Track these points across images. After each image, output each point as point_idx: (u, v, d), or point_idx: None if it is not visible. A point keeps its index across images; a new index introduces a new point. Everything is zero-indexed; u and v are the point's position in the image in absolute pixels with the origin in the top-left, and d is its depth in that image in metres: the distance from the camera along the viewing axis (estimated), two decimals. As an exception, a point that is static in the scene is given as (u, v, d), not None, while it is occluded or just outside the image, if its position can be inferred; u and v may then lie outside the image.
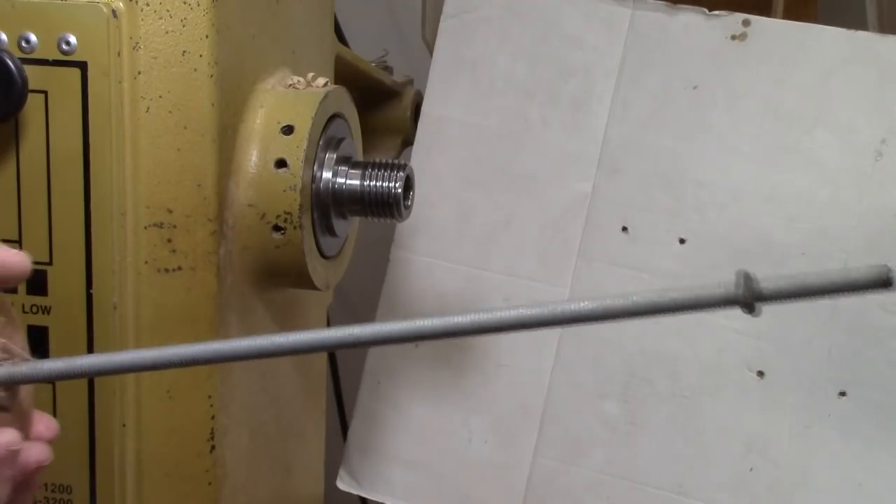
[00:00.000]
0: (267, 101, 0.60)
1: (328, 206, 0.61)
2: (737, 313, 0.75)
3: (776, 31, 0.76)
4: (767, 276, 0.39)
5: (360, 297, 0.92)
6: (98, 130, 0.54)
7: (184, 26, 0.55)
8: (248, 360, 0.60)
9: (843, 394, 0.73)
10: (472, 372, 0.80)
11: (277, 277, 0.60)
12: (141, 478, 0.58)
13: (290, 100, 0.60)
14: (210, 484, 0.58)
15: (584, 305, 0.41)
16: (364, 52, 0.88)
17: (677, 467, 0.75)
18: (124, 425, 0.56)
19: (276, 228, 0.58)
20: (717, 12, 0.77)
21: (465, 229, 0.81)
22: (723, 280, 0.40)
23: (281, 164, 0.58)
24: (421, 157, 0.82)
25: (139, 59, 0.54)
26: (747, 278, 0.39)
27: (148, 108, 0.55)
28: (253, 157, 0.58)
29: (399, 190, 0.62)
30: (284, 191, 0.58)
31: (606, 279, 0.78)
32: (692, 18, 0.78)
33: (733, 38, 0.76)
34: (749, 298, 0.39)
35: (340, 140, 0.62)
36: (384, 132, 0.92)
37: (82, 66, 0.53)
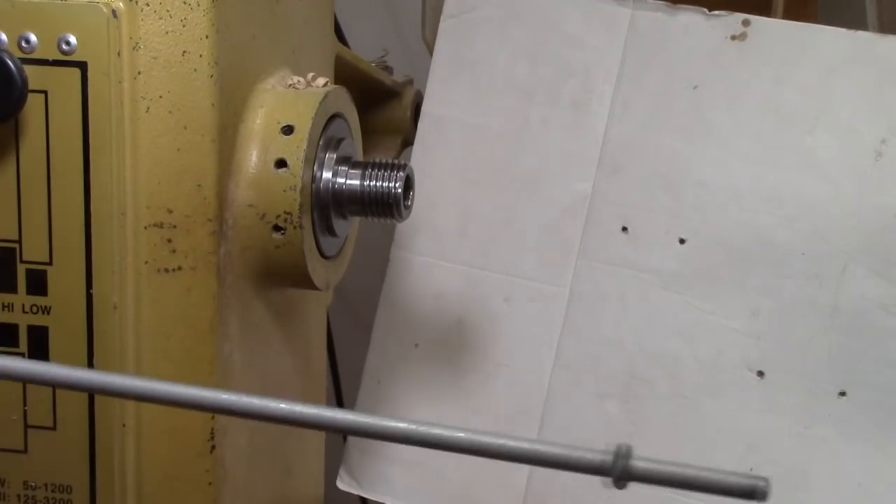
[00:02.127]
0: (267, 101, 0.60)
1: (328, 206, 0.61)
2: (738, 313, 0.75)
3: (776, 31, 0.76)
4: (644, 458, 0.41)
5: (360, 297, 0.92)
6: (98, 130, 0.54)
7: (184, 26, 0.55)
8: (246, 368, 0.61)
9: (843, 394, 0.73)
10: (472, 372, 0.80)
11: (277, 277, 0.60)
12: (141, 478, 0.58)
13: (290, 100, 0.60)
14: (210, 484, 0.58)
15: (459, 436, 0.41)
16: (364, 52, 0.88)
17: (677, 467, 0.75)
18: (124, 425, 0.56)
19: (276, 228, 0.58)
20: (717, 12, 0.77)
21: (465, 229, 0.81)
22: (602, 449, 0.42)
23: (281, 164, 0.58)
24: (421, 157, 0.82)
25: (139, 59, 0.54)
26: (623, 457, 0.41)
27: (148, 108, 0.55)
28: (253, 158, 0.58)
29: (399, 190, 0.62)
30: (284, 191, 0.58)
31: (606, 279, 0.78)
32: (692, 18, 0.78)
33: (733, 38, 0.76)
34: (620, 475, 0.40)
35: (340, 140, 0.62)
36: (384, 132, 0.92)
37: (82, 66, 0.53)
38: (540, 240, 0.79)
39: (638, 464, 0.41)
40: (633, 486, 0.41)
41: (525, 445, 0.41)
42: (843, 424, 0.73)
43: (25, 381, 0.52)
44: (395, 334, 0.82)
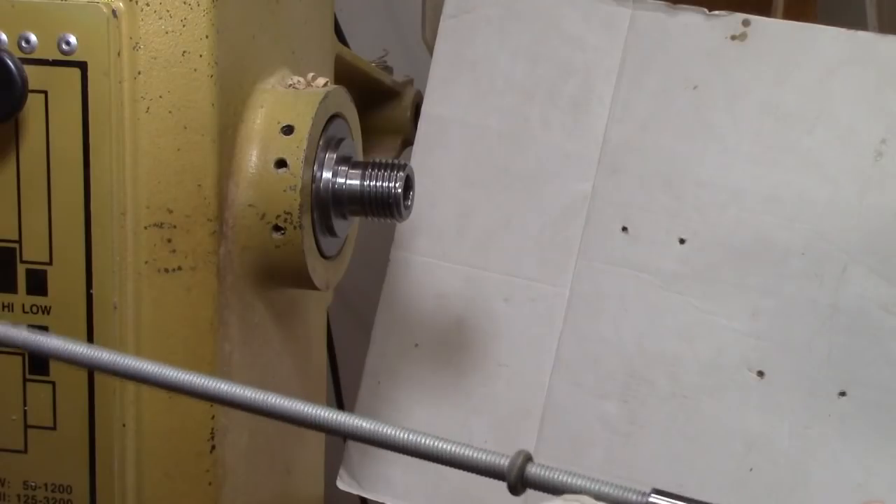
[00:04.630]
0: (267, 101, 0.60)
1: (328, 206, 0.61)
2: (738, 313, 0.75)
3: (776, 31, 0.76)
4: (543, 465, 0.42)
5: (360, 297, 0.92)
6: (98, 130, 0.54)
7: (184, 26, 0.55)
8: (246, 368, 0.61)
9: (843, 394, 0.73)
10: (472, 372, 0.80)
11: (277, 277, 0.60)
12: (141, 478, 0.58)
13: (290, 100, 0.60)
14: (210, 484, 0.58)
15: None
16: (364, 52, 0.88)
17: (677, 467, 0.75)
18: (124, 425, 0.57)
19: (276, 228, 0.58)
20: (717, 12, 0.77)
21: (465, 229, 0.81)
22: (509, 453, 0.42)
23: (281, 164, 0.58)
24: (421, 157, 0.82)
25: (139, 59, 0.54)
26: (522, 464, 0.42)
27: (148, 108, 0.55)
28: (253, 157, 0.58)
29: (399, 190, 0.62)
30: (284, 191, 0.58)
31: (606, 279, 0.78)
32: (692, 18, 0.78)
33: (733, 38, 0.76)
34: (515, 482, 0.42)
35: (340, 140, 0.62)
36: (384, 132, 0.92)
37: (82, 66, 0.53)
38: (540, 240, 0.79)
39: (533, 470, 0.42)
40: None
41: (435, 443, 0.42)
42: (843, 424, 0.73)
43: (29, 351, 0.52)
44: (395, 334, 0.82)
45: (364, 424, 0.43)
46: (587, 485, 0.41)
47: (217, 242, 0.56)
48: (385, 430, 0.43)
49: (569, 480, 0.41)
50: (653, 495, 0.40)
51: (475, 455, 0.42)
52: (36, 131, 0.54)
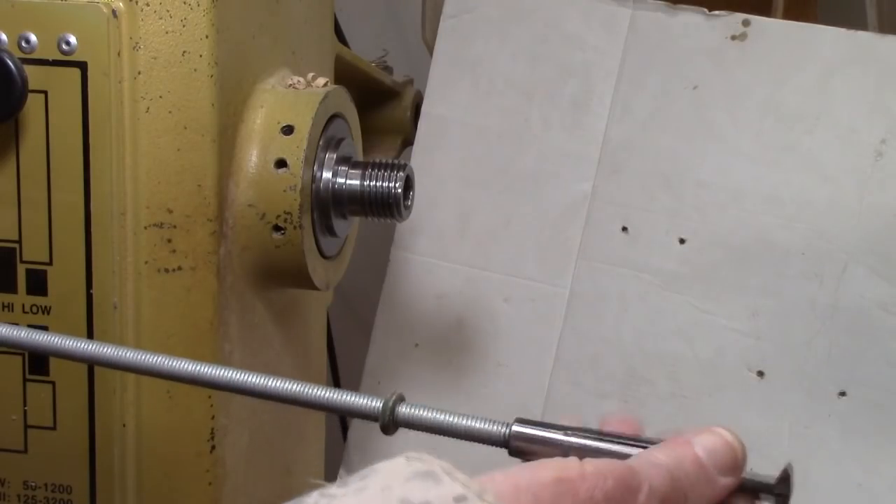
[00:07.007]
0: (267, 101, 0.60)
1: (328, 206, 0.61)
2: (738, 313, 0.75)
3: (776, 31, 0.76)
4: (414, 404, 0.45)
5: (360, 297, 0.92)
6: (98, 130, 0.54)
7: (184, 26, 0.55)
8: (245, 368, 0.61)
9: (843, 394, 0.73)
10: (472, 372, 0.80)
11: (277, 277, 0.60)
12: (141, 478, 0.58)
13: (290, 100, 0.60)
14: (210, 484, 0.58)
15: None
16: (364, 52, 0.88)
17: (677, 467, 0.75)
18: (124, 425, 0.56)
19: (276, 228, 0.58)
20: (717, 12, 0.77)
21: (465, 229, 0.81)
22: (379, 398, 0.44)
23: (281, 164, 0.58)
24: (421, 157, 0.82)
25: (139, 59, 0.54)
26: (394, 405, 0.44)
27: (148, 108, 0.55)
28: (253, 157, 0.58)
29: (399, 190, 0.62)
30: (284, 191, 0.58)
31: (606, 279, 0.78)
32: (692, 18, 0.78)
33: (733, 38, 0.76)
34: (388, 422, 0.44)
35: (340, 140, 0.62)
36: (384, 132, 0.92)
37: (82, 66, 0.53)
38: (540, 240, 0.79)
39: (403, 410, 0.44)
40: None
41: (306, 390, 0.44)
42: (843, 424, 0.73)
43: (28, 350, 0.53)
44: (395, 334, 0.82)
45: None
46: (455, 420, 0.43)
47: (217, 242, 0.56)
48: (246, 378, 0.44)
49: (437, 417, 0.44)
50: (516, 424, 0.41)
51: (350, 399, 0.44)
52: (36, 131, 0.54)
